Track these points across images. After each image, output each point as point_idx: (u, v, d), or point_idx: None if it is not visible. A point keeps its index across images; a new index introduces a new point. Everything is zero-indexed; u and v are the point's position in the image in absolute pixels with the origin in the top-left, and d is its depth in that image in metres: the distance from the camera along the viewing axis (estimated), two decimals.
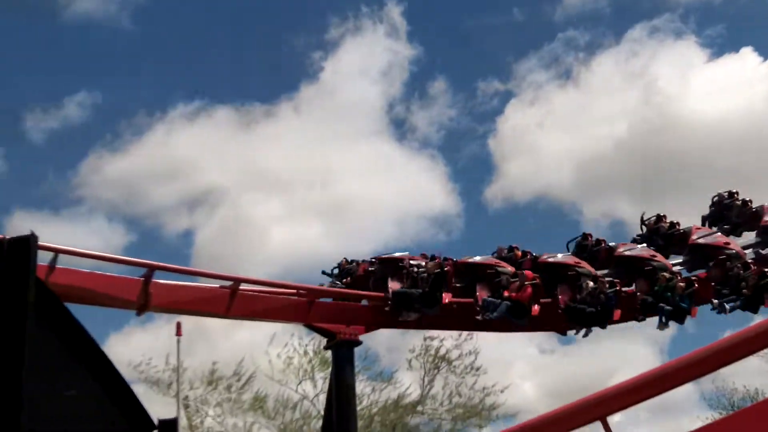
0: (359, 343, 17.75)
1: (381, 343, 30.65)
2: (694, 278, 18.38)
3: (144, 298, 14.59)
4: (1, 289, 3.00)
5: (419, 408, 27.38)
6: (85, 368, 3.37)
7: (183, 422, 24.20)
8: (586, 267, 18.41)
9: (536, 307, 17.55)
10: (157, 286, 14.82)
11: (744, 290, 17.88)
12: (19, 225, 41.65)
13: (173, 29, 51.53)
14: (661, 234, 20.43)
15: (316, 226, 39.91)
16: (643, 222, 21.38)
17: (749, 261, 18.83)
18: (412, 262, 18.21)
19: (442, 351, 27.26)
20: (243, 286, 16.21)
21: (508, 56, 58.27)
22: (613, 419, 7.40)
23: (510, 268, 18.29)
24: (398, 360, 29.18)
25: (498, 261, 18.87)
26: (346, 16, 57.87)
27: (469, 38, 53.61)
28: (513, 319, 17.50)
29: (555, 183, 48.57)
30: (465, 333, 25.72)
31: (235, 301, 15.93)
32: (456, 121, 49.62)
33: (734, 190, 22.11)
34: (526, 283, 17.56)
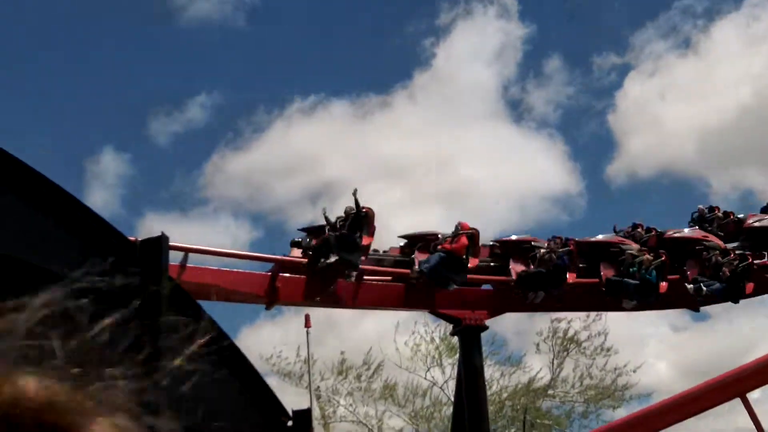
0: (485, 327, 17.67)
1: (508, 327, 30.45)
2: (662, 252, 18.11)
3: (272, 293, 14.91)
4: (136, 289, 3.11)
5: (550, 391, 27.11)
6: (220, 363, 3.46)
7: (316, 412, 24.62)
8: (539, 242, 18.25)
9: (474, 260, 16.91)
10: (285, 280, 15.12)
11: (721, 275, 17.84)
12: (150, 226, 43.18)
13: (286, 27, 52.36)
14: (637, 240, 20.07)
15: (438, 212, 39.66)
16: (615, 233, 21.00)
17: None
18: None
19: (571, 333, 26.91)
20: (368, 276, 16.35)
21: (623, 28, 56.85)
22: (752, 396, 7.17)
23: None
24: (526, 344, 28.93)
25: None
26: (457, 1, 57.48)
27: (582, 12, 52.54)
28: (450, 275, 16.40)
29: (679, 156, 47.17)
30: (593, 314, 25.30)
31: (361, 291, 16.10)
32: (573, 99, 48.58)
33: (715, 206, 22.03)
34: (461, 232, 16.73)
